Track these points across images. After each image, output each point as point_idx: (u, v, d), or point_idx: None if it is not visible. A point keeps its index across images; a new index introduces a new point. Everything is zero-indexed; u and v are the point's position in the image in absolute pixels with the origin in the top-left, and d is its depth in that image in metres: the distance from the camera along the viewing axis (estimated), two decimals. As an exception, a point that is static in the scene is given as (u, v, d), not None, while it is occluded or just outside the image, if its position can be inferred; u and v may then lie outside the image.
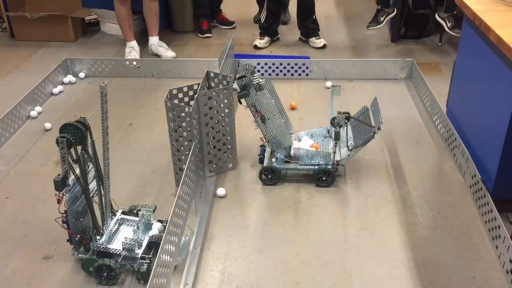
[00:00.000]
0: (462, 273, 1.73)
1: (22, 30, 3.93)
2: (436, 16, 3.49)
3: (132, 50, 3.53)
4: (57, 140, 1.55)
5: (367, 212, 2.02)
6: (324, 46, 3.70)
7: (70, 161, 1.59)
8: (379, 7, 3.65)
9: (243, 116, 2.59)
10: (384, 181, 2.21)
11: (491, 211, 1.84)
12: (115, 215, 1.85)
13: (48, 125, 2.68)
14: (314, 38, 3.74)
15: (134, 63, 3.28)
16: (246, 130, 2.56)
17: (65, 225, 1.70)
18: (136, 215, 1.85)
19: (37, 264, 1.80)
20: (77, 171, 1.62)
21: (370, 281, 1.70)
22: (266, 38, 3.77)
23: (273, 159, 2.20)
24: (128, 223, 1.85)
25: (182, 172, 1.88)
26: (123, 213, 1.88)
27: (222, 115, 2.15)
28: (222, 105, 2.13)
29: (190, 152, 1.94)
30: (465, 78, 2.36)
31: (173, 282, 1.69)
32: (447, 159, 2.35)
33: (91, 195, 1.69)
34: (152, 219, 1.81)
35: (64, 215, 1.68)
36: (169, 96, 2.09)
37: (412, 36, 3.82)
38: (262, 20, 3.74)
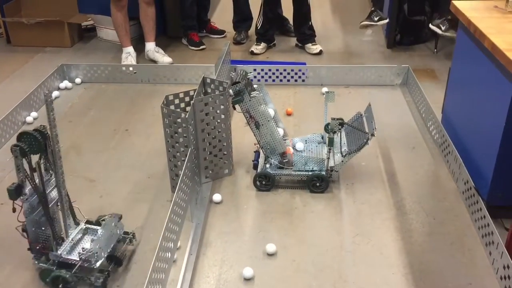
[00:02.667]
0: (458, 279, 1.73)
1: (19, 35, 3.93)
2: (430, 25, 3.52)
3: (129, 55, 3.53)
4: (11, 149, 1.53)
5: (363, 218, 2.02)
6: (320, 52, 3.71)
7: (27, 169, 1.57)
8: (372, 8, 3.66)
9: (239, 122, 2.60)
10: (379, 187, 2.21)
11: (484, 217, 1.84)
12: (78, 224, 1.79)
13: (43, 130, 2.67)
14: (310, 44, 3.75)
15: (131, 68, 3.28)
16: (242, 136, 2.56)
17: (25, 233, 1.67)
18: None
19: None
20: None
21: (365, 288, 1.70)
22: (263, 44, 3.77)
23: (267, 165, 2.21)
24: (92, 233, 1.78)
25: (178, 178, 1.88)
26: (88, 222, 1.81)
27: (218, 121, 2.16)
28: (218, 111, 2.14)
29: (186, 158, 1.94)
30: (460, 84, 2.37)
31: (168, 288, 1.69)
32: (442, 165, 2.35)
33: (51, 204, 1.65)
34: (117, 228, 1.74)
35: (25, 223, 1.66)
36: (165, 102, 2.10)
37: (408, 42, 3.83)
38: (259, 26, 3.76)
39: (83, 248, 1.67)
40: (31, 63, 3.66)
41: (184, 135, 2.01)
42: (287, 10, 3.90)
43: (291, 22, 3.95)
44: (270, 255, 1.83)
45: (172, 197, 1.90)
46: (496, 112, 1.88)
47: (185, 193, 1.93)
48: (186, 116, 1.96)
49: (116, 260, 1.73)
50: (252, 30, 4.02)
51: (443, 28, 3.41)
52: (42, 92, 3.00)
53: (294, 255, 1.84)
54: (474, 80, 2.18)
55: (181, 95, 2.17)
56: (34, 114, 2.84)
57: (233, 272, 1.77)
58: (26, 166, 1.57)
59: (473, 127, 2.17)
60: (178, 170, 2.07)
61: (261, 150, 2.22)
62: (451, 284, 1.71)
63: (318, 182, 2.15)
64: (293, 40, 3.91)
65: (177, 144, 2.05)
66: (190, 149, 1.99)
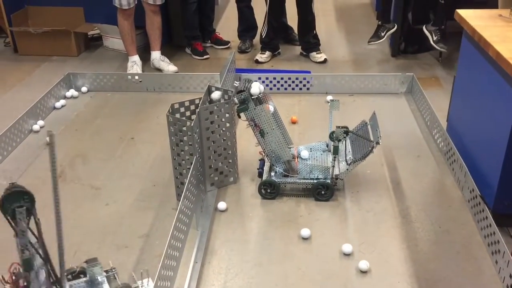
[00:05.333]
0: (464, 288, 1.72)
1: (26, 44, 3.96)
2: (424, 28, 3.54)
3: (134, 64, 3.56)
4: (13, 212, 1.29)
5: (368, 227, 2.02)
6: (325, 61, 3.73)
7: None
8: (379, 22, 3.69)
9: (244, 130, 2.60)
10: (384, 195, 2.21)
11: (490, 225, 1.84)
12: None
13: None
14: (315, 52, 3.76)
15: (136, 77, 3.30)
16: (247, 144, 2.57)
17: None
18: (78, 274, 1.54)
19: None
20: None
21: (371, 296, 1.70)
22: (267, 53, 3.79)
23: (272, 173, 2.21)
24: (78, 286, 1.53)
25: (184, 186, 1.88)
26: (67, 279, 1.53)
27: (224, 129, 2.17)
28: (223, 119, 2.15)
29: (191, 166, 1.94)
30: (465, 92, 2.37)
31: (173, 296, 1.69)
32: (447, 173, 2.35)
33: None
34: (101, 272, 1.55)
35: None
36: (170, 111, 2.11)
37: (412, 51, 3.84)
38: (263, 35, 3.78)
39: None
40: (37, 72, 3.69)
41: (190, 143, 2.02)
42: (292, 18, 3.92)
43: (295, 30, 3.97)
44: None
45: (177, 205, 1.91)
46: (501, 120, 1.88)
47: (190, 201, 1.94)
48: (192, 125, 1.97)
49: None
50: (256, 39, 4.04)
51: (434, 38, 3.45)
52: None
53: (300, 263, 1.84)
54: (479, 88, 2.18)
55: (187, 104, 2.19)
56: (40, 122, 2.86)
57: (238, 280, 1.77)
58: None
59: (479, 135, 2.17)
60: (184, 178, 2.08)
61: (266, 158, 2.23)
62: (457, 293, 1.70)
63: (323, 190, 2.16)
64: (298, 49, 3.92)
65: (182, 152, 2.06)
66: (195, 157, 1.99)
